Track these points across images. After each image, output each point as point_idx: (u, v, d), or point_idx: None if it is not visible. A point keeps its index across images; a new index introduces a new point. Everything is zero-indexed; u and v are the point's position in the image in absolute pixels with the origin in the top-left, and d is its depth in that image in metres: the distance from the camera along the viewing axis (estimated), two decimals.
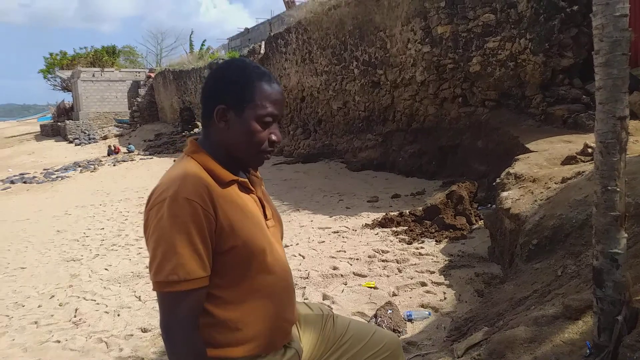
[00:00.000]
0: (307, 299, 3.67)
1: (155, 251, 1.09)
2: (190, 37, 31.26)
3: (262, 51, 13.89)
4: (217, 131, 1.20)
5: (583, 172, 3.56)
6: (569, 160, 4.20)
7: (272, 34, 13.83)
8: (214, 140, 1.21)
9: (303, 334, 1.37)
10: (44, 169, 16.78)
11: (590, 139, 3.97)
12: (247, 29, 27.49)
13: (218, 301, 1.15)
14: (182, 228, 1.07)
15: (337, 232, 5.46)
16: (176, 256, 1.06)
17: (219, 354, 1.15)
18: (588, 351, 1.63)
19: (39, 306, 4.39)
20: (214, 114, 1.18)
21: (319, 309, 1.46)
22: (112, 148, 19.38)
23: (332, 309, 3.43)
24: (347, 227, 5.60)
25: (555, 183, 3.63)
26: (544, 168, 4.21)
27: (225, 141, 1.19)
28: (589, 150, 4.07)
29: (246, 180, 1.25)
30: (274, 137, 1.20)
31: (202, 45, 28.75)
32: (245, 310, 1.17)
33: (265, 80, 1.19)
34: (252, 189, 1.26)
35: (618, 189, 1.53)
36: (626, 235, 1.58)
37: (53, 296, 4.61)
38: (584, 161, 4.05)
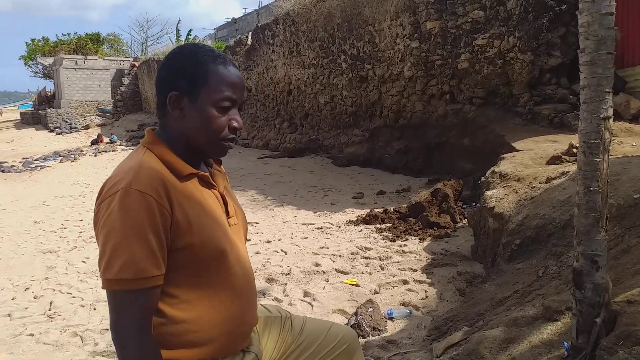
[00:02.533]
0: (287, 295, 3.63)
1: (104, 247, 1.02)
2: (177, 25, 30.76)
3: (249, 42, 13.74)
4: (172, 120, 1.13)
5: (567, 172, 3.57)
6: (554, 160, 4.21)
7: (259, 24, 13.66)
8: (171, 130, 1.14)
9: (262, 337, 1.32)
10: (23, 158, 16.38)
11: (576, 139, 3.96)
12: (234, 19, 27.29)
13: (173, 300, 1.09)
14: (134, 223, 1.00)
15: (321, 228, 5.41)
16: (127, 253, 0.99)
17: (172, 356, 1.08)
18: (566, 353, 1.61)
19: (12, 298, 4.28)
20: (167, 101, 1.11)
21: (277, 310, 1.42)
22: (98, 137, 19.10)
23: (312, 306, 3.39)
24: (331, 224, 5.56)
25: (539, 183, 3.63)
26: (529, 167, 4.21)
27: (182, 130, 1.12)
28: (574, 150, 4.08)
29: (207, 174, 1.18)
30: (235, 124, 1.13)
31: (189, 34, 28.43)
32: (202, 312, 1.11)
33: (220, 62, 1.12)
34: (214, 183, 1.19)
35: (600, 190, 1.51)
36: (607, 236, 1.56)
37: (28, 288, 4.50)
38: (568, 161, 4.06)
